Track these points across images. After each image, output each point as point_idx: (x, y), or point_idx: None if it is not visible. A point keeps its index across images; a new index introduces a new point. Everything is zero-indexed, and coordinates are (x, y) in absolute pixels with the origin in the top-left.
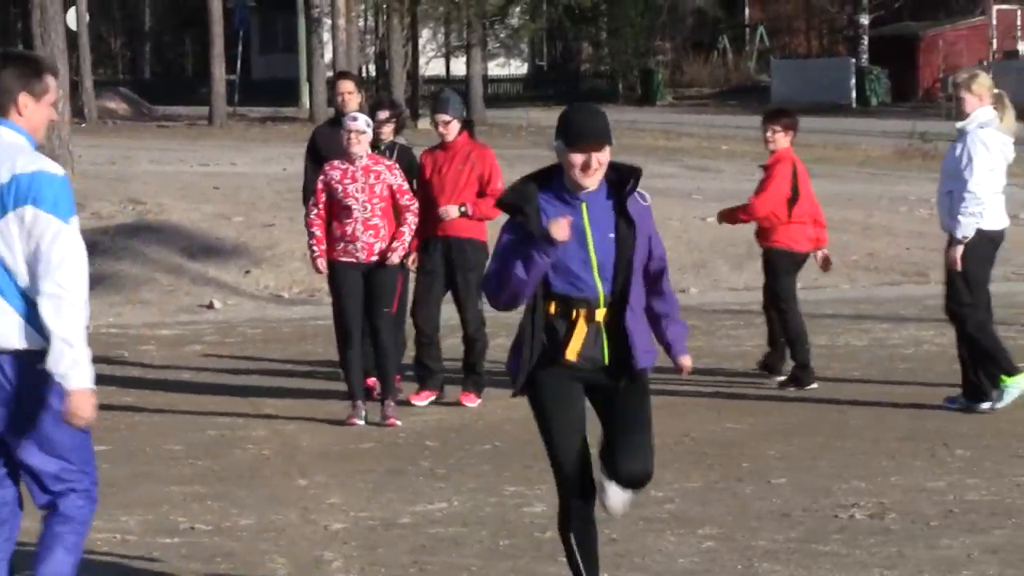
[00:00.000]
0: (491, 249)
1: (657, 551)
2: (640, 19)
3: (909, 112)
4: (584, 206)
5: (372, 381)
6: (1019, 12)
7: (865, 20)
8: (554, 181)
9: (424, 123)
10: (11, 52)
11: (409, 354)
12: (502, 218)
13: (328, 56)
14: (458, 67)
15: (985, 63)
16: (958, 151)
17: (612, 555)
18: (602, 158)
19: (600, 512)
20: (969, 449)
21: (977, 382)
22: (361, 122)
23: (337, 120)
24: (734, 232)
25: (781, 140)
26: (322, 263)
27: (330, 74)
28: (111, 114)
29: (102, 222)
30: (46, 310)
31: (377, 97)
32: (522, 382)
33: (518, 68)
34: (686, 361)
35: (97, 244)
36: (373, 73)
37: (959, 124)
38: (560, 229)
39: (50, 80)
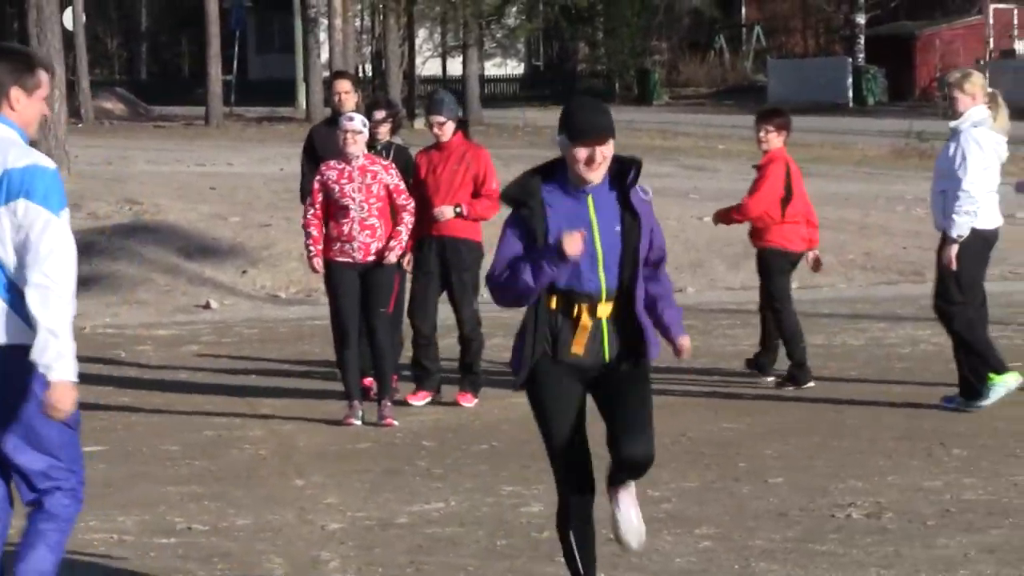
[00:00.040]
0: (486, 249)
1: (654, 551)
2: (636, 19)
3: (906, 111)
4: (590, 199)
5: (369, 381)
6: (1016, 11)
7: (861, 19)
8: (558, 174)
9: (420, 123)
10: (3, 46)
11: (406, 354)
12: (497, 218)
13: (324, 56)
14: (454, 67)
15: (982, 62)
16: (952, 150)
17: (609, 555)
18: (606, 152)
19: (598, 512)
20: (966, 448)
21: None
22: (357, 122)
23: (334, 120)
24: (731, 232)
25: (774, 140)
26: (318, 263)
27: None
28: (107, 114)
29: (99, 222)
30: (33, 300)
31: (373, 97)
32: (525, 376)
33: (514, 68)
34: (685, 341)
35: (93, 244)
36: (369, 73)
37: (952, 123)
38: (574, 245)
39: (42, 75)
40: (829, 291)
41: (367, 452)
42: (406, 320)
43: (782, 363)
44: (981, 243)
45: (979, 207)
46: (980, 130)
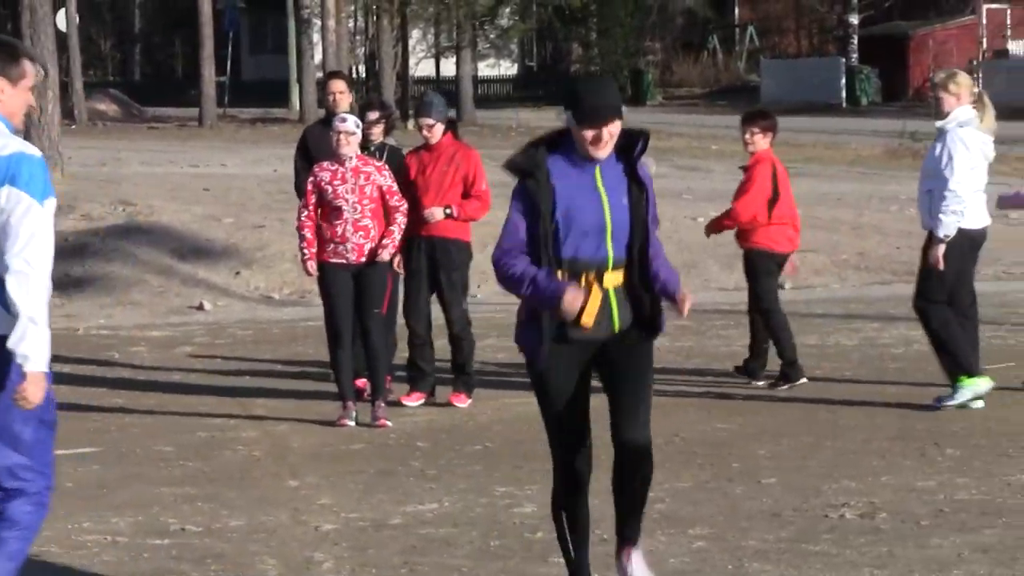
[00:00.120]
0: (475, 249)
1: (648, 551)
2: (630, 19)
3: (899, 111)
4: (597, 170)
5: (362, 382)
6: (1009, 11)
7: (855, 19)
8: (564, 146)
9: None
10: None
11: (401, 355)
12: (489, 217)
13: (318, 57)
14: (448, 68)
15: (975, 62)
16: (938, 150)
17: (603, 555)
18: (613, 130)
19: (594, 512)
20: (959, 448)
21: None
22: (350, 123)
23: (328, 120)
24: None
25: (760, 142)
26: (312, 267)
27: (320, 75)
28: (101, 116)
29: (92, 223)
30: (12, 287)
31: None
32: (547, 353)
33: (508, 69)
34: (686, 293)
35: (87, 245)
36: (363, 74)
37: (938, 123)
38: (572, 305)
39: (27, 65)
40: (823, 291)
41: (361, 453)
42: (400, 321)
43: (773, 366)
44: (968, 243)
45: (966, 207)
46: (966, 130)
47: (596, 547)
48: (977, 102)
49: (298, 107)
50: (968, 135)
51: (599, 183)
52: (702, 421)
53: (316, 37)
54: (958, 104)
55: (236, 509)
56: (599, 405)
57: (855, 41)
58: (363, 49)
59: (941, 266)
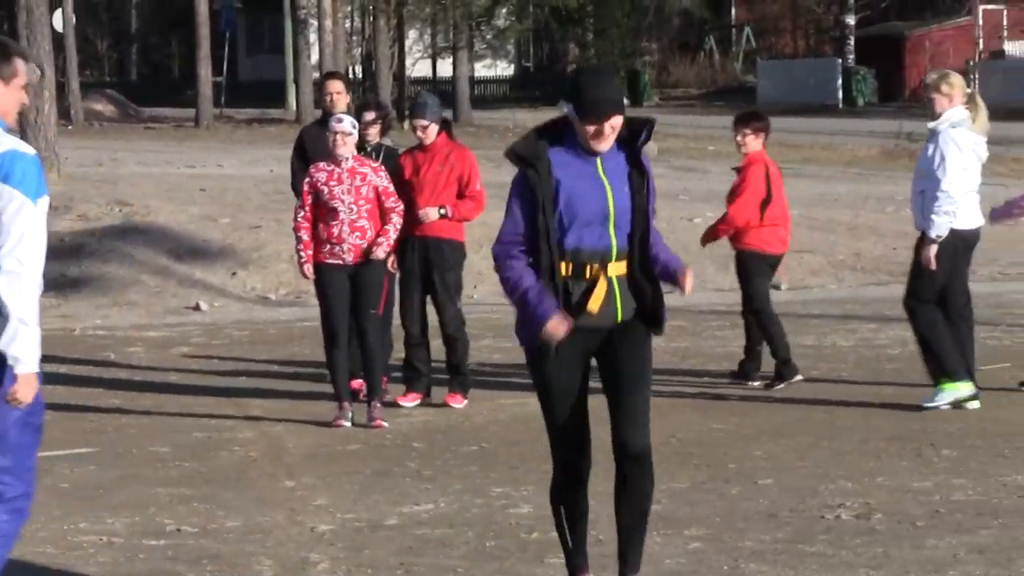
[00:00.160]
0: (470, 250)
1: (644, 552)
2: (626, 20)
3: (896, 112)
4: (599, 159)
5: (358, 383)
6: (1005, 12)
7: (851, 20)
8: (565, 135)
9: None
10: None
11: (397, 355)
12: (484, 217)
13: (315, 57)
14: (445, 68)
15: (971, 63)
16: (930, 151)
17: (599, 556)
18: (615, 124)
19: (593, 513)
20: (955, 449)
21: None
22: (346, 124)
23: (325, 120)
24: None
25: (752, 143)
26: (309, 269)
27: (317, 75)
28: (98, 116)
29: (89, 224)
30: (3, 287)
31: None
32: (552, 349)
33: (505, 69)
34: (687, 269)
35: (84, 246)
36: (360, 74)
37: (931, 124)
38: (552, 333)
39: (19, 63)
40: (819, 292)
41: (357, 453)
42: (396, 322)
43: (767, 367)
44: (961, 243)
45: (958, 207)
46: (958, 131)
47: (592, 548)
48: (970, 103)
49: (294, 107)
50: (960, 136)
51: (601, 172)
52: (698, 422)
53: (313, 37)
54: (950, 105)
55: (232, 510)
56: (599, 406)
57: (851, 42)
58: (360, 50)
59: (933, 266)
